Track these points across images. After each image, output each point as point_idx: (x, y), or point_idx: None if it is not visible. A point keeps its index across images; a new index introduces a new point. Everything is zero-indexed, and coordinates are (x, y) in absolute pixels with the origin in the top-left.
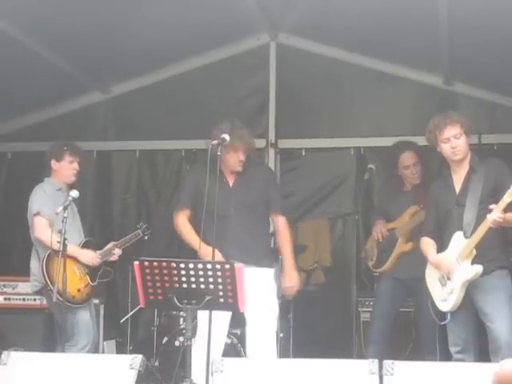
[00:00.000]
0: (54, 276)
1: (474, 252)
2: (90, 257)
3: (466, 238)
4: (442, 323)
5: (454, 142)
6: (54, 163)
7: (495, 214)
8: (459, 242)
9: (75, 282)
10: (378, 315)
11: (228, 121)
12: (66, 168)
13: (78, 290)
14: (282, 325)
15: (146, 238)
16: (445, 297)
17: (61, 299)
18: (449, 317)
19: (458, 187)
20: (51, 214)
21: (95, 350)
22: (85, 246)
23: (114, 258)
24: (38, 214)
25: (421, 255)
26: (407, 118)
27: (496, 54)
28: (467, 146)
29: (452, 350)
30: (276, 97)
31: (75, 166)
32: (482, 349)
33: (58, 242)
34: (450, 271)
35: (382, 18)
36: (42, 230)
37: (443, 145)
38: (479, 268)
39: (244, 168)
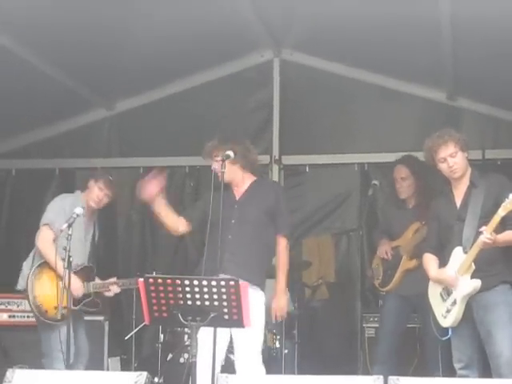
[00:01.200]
0: (38, 287)
1: (473, 267)
2: (75, 287)
3: (465, 253)
4: (444, 339)
5: (450, 161)
6: (91, 183)
7: (484, 236)
8: (459, 257)
9: (54, 298)
10: (385, 335)
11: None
12: (95, 191)
13: (55, 307)
14: (287, 341)
15: None
16: (445, 312)
17: (35, 312)
18: (450, 332)
19: (458, 202)
20: (59, 229)
21: (92, 368)
22: (83, 270)
23: (110, 294)
24: (47, 224)
25: (425, 271)
26: (411, 134)
27: (500, 68)
28: (465, 162)
29: (456, 366)
30: (280, 113)
31: (101, 195)
32: (487, 365)
33: (63, 259)
34: (453, 283)
35: (385, 34)
36: (45, 242)
37: (441, 164)
38: (477, 282)
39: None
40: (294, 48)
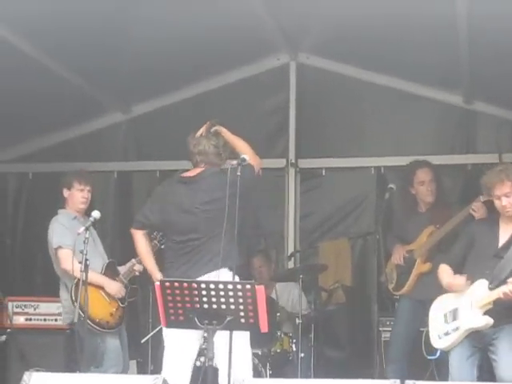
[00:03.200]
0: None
1: (491, 305)
2: (117, 289)
3: (490, 289)
4: (429, 357)
5: (504, 200)
6: (65, 192)
7: (508, 288)
8: (481, 290)
9: (106, 306)
10: (397, 336)
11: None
12: (75, 196)
13: (111, 314)
14: (303, 344)
15: (162, 246)
16: (443, 334)
17: (92, 324)
18: (438, 354)
19: (503, 238)
20: (72, 244)
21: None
22: (107, 268)
23: (136, 274)
24: (59, 247)
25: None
26: (427, 137)
27: None
28: None
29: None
30: (296, 116)
31: (85, 194)
32: None
33: (80, 262)
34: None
35: (401, 36)
36: (69, 261)
37: (495, 200)
38: (490, 320)
39: None
40: (311, 51)
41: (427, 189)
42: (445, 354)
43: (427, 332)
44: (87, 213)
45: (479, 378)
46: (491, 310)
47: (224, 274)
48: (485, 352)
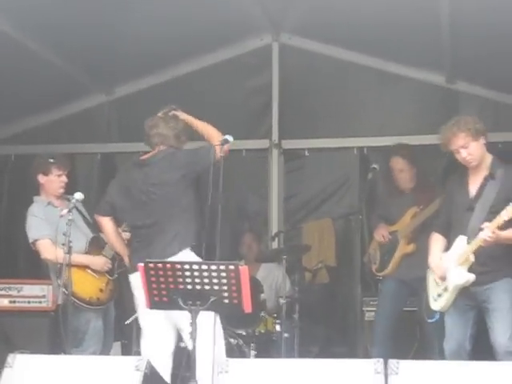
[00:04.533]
0: (74, 287)
1: (472, 259)
2: (101, 264)
3: (468, 243)
4: (430, 321)
5: (463, 152)
6: (41, 177)
7: (485, 233)
8: (460, 247)
9: (95, 283)
10: (381, 318)
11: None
12: (54, 182)
13: (101, 290)
14: (287, 325)
15: None
16: (437, 296)
17: (82, 303)
18: (437, 316)
19: (473, 190)
20: (50, 233)
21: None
22: (92, 243)
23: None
24: (36, 240)
25: (423, 255)
26: (410, 117)
27: (499, 51)
28: (480, 151)
29: (445, 347)
30: (279, 97)
31: (63, 178)
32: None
33: (63, 244)
34: (439, 273)
35: (384, 17)
36: (48, 251)
37: (456, 155)
38: (471, 276)
39: None
40: (293, 32)
41: (400, 177)
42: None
43: (427, 296)
44: (68, 193)
45: (472, 337)
46: (480, 265)
47: (186, 255)
48: (480, 310)
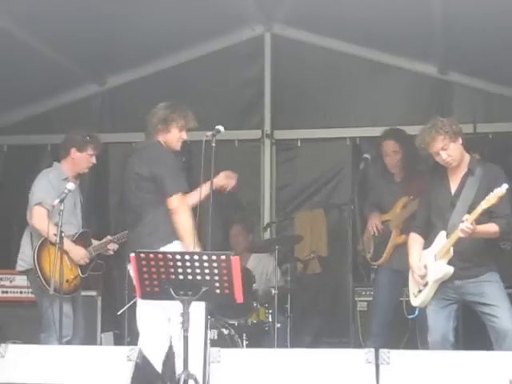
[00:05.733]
0: (45, 265)
1: (451, 252)
2: (80, 255)
3: (447, 238)
4: (409, 317)
5: (443, 154)
6: (73, 152)
7: (464, 225)
8: (441, 241)
9: (65, 272)
10: (378, 309)
11: None
12: (85, 160)
13: (67, 281)
14: (279, 315)
15: None
16: (417, 292)
17: (57, 293)
18: (417, 312)
19: (454, 187)
20: (52, 204)
21: (85, 343)
22: (80, 237)
23: (110, 252)
24: (39, 203)
25: None
26: (402, 108)
27: (491, 42)
28: (459, 151)
29: (429, 339)
30: (271, 88)
31: (94, 159)
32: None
33: (55, 234)
34: (416, 272)
35: (376, 8)
36: (40, 220)
37: (436, 157)
38: (450, 269)
39: None
40: (286, 23)
41: (391, 160)
42: (423, 311)
43: (407, 293)
44: (77, 181)
45: (456, 329)
46: (464, 261)
47: (176, 247)
48: (462, 303)
